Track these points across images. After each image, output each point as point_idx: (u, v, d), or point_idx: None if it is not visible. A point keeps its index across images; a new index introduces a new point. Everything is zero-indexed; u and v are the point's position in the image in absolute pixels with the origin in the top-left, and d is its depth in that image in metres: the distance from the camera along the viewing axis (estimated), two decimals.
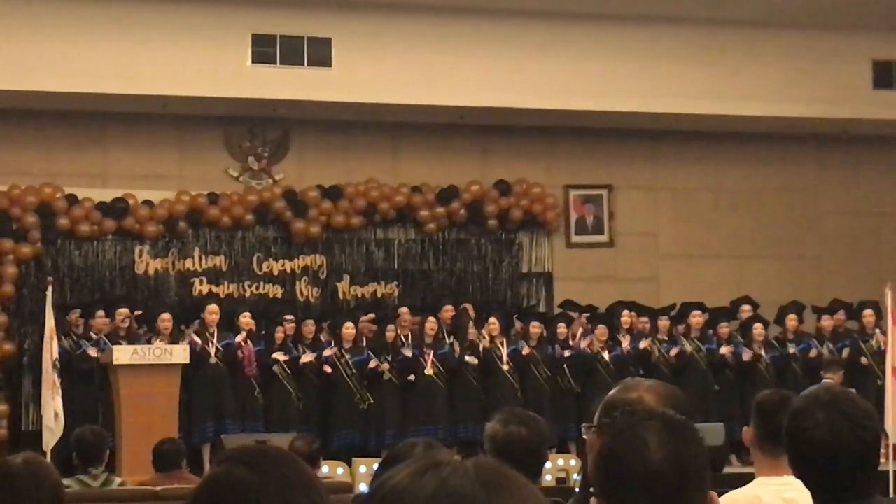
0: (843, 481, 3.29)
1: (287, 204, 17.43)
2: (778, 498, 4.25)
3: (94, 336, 15.24)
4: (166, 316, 15.31)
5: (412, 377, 15.93)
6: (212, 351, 15.26)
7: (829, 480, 3.30)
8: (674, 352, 16.62)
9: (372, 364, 15.73)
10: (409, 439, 3.53)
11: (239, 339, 15.28)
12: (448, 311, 16.55)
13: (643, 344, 16.53)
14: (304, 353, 15.77)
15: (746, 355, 16.59)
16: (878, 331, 16.85)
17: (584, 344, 16.39)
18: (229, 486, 2.21)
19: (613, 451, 2.44)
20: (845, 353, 16.93)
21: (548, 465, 12.32)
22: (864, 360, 16.75)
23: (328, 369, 15.68)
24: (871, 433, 3.33)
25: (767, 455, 4.21)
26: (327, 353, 15.73)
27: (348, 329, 15.88)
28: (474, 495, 1.54)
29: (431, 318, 16.14)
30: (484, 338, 16.30)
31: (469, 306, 16.98)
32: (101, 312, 15.48)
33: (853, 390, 3.70)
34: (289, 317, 16.12)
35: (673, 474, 2.38)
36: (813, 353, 16.90)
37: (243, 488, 2.19)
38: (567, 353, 16.35)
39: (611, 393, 3.36)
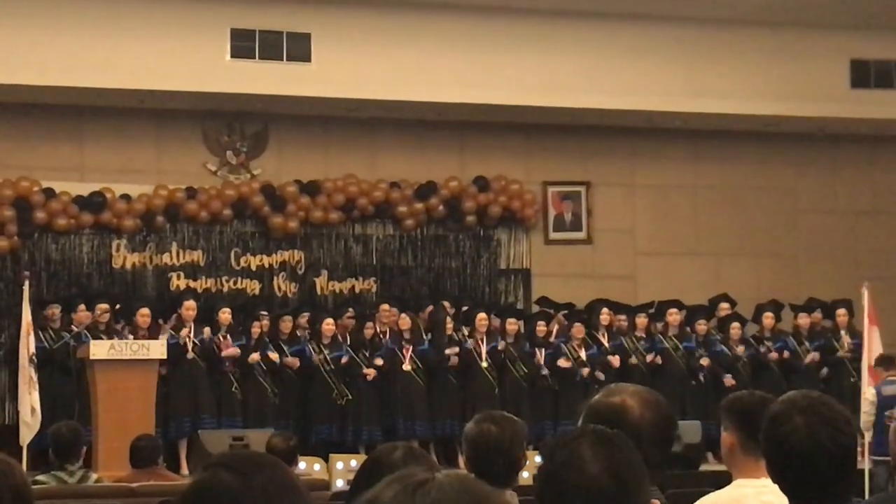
0: (821, 485, 3.31)
1: (265, 199, 17.40)
2: (757, 501, 4.26)
3: (74, 329, 15.14)
4: (145, 311, 15.26)
5: (379, 362, 15.81)
6: (189, 346, 15.21)
7: (806, 484, 3.32)
8: (649, 358, 16.57)
9: (344, 360, 15.69)
10: (390, 443, 3.56)
11: (225, 351, 15.23)
12: (428, 311, 16.56)
13: (615, 361, 16.42)
14: (283, 349, 15.74)
15: (728, 381, 16.35)
16: (843, 332, 16.94)
17: (563, 363, 16.23)
18: (214, 491, 2.25)
19: (551, 470, 2.47)
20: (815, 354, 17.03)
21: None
22: (840, 353, 16.85)
23: (295, 362, 15.65)
24: (849, 437, 3.36)
25: (749, 457, 4.22)
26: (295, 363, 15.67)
27: (328, 325, 15.86)
28: None
29: (404, 315, 16.11)
30: (463, 335, 16.27)
31: (446, 303, 16.97)
32: (82, 306, 15.41)
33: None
34: (264, 312, 16.14)
35: (611, 485, 2.41)
36: (786, 354, 16.95)
37: (228, 493, 2.24)
38: (545, 373, 16.17)
39: (595, 398, 3.39)
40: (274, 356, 15.57)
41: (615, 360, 16.35)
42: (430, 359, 15.88)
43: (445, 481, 1.58)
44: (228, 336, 15.41)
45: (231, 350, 15.33)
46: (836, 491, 3.32)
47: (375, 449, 3.56)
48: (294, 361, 15.66)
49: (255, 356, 15.42)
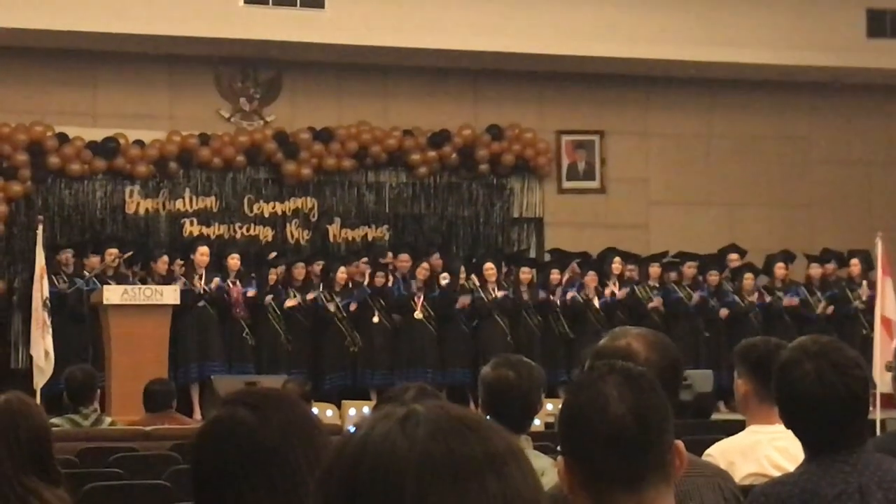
0: (833, 430, 3.30)
1: (278, 146, 17.39)
2: (771, 446, 4.28)
3: (87, 274, 15.20)
4: (165, 258, 15.32)
5: (397, 316, 15.87)
6: (200, 292, 15.24)
7: (819, 430, 3.31)
8: (653, 304, 16.56)
9: (353, 307, 15.71)
10: (403, 384, 3.58)
11: (234, 292, 15.25)
12: (437, 258, 16.52)
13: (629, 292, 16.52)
14: (294, 296, 15.75)
15: (723, 313, 16.51)
16: (864, 283, 16.89)
17: (570, 294, 16.33)
18: (233, 426, 2.29)
19: (575, 409, 2.46)
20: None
21: None
22: (856, 303, 16.81)
23: (312, 297, 15.66)
24: (860, 382, 3.34)
25: (763, 403, 4.23)
26: (310, 296, 15.65)
27: (341, 274, 15.87)
28: (425, 441, 1.52)
29: (424, 264, 16.10)
30: (473, 283, 16.28)
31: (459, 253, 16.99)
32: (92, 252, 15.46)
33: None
34: (275, 254, 16.23)
35: (635, 426, 2.40)
36: (795, 301, 16.89)
37: (246, 429, 2.28)
38: (558, 301, 16.31)
39: (600, 342, 3.39)
40: (291, 302, 15.56)
41: (658, 302, 16.50)
42: (442, 304, 15.87)
43: (427, 411, 1.55)
44: (238, 282, 15.42)
45: (293, 301, 15.41)
46: (849, 435, 3.31)
47: (388, 390, 3.57)
48: (294, 301, 15.62)
49: (269, 298, 15.45)
